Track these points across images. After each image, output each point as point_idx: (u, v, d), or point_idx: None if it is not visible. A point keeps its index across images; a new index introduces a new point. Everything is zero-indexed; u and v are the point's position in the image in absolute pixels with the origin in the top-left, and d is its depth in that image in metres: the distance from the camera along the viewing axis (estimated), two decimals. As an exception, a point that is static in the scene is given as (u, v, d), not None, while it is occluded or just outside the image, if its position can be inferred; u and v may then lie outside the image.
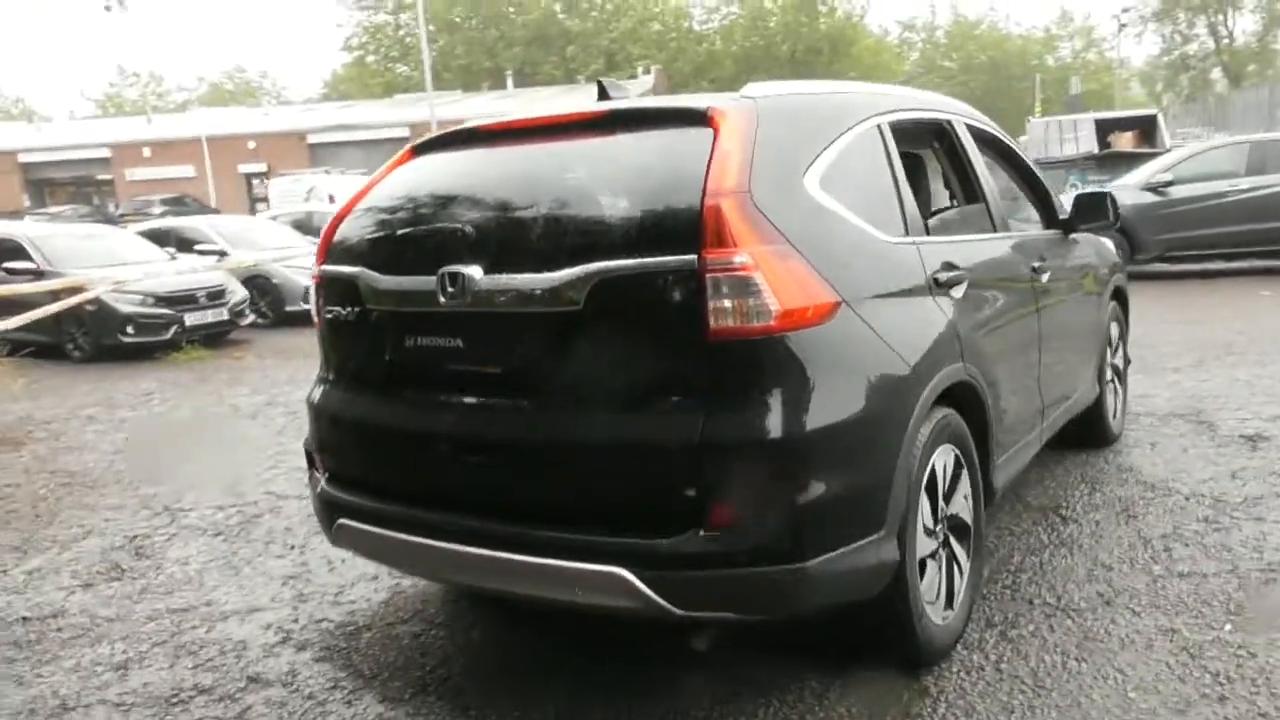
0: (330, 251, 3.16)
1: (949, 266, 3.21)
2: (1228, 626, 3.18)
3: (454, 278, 2.70)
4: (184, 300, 11.10)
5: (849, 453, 2.59)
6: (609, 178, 2.73)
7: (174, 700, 3.14)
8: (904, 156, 3.88)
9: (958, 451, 3.13)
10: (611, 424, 2.56)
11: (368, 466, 3.08)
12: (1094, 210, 4.58)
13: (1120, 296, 5.35)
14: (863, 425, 2.62)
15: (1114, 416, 5.26)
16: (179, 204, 34.72)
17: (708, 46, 67.05)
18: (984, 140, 4.34)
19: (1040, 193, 4.68)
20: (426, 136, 3.32)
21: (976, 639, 3.20)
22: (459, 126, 3.21)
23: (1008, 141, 4.53)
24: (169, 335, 10.90)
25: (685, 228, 2.48)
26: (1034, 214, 4.67)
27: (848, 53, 67.18)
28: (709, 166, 2.54)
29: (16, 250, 11.54)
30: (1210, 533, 3.95)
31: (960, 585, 3.17)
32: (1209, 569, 3.61)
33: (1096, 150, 16.26)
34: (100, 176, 47.50)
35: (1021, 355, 3.78)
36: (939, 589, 3.03)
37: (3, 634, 3.71)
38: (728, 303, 2.44)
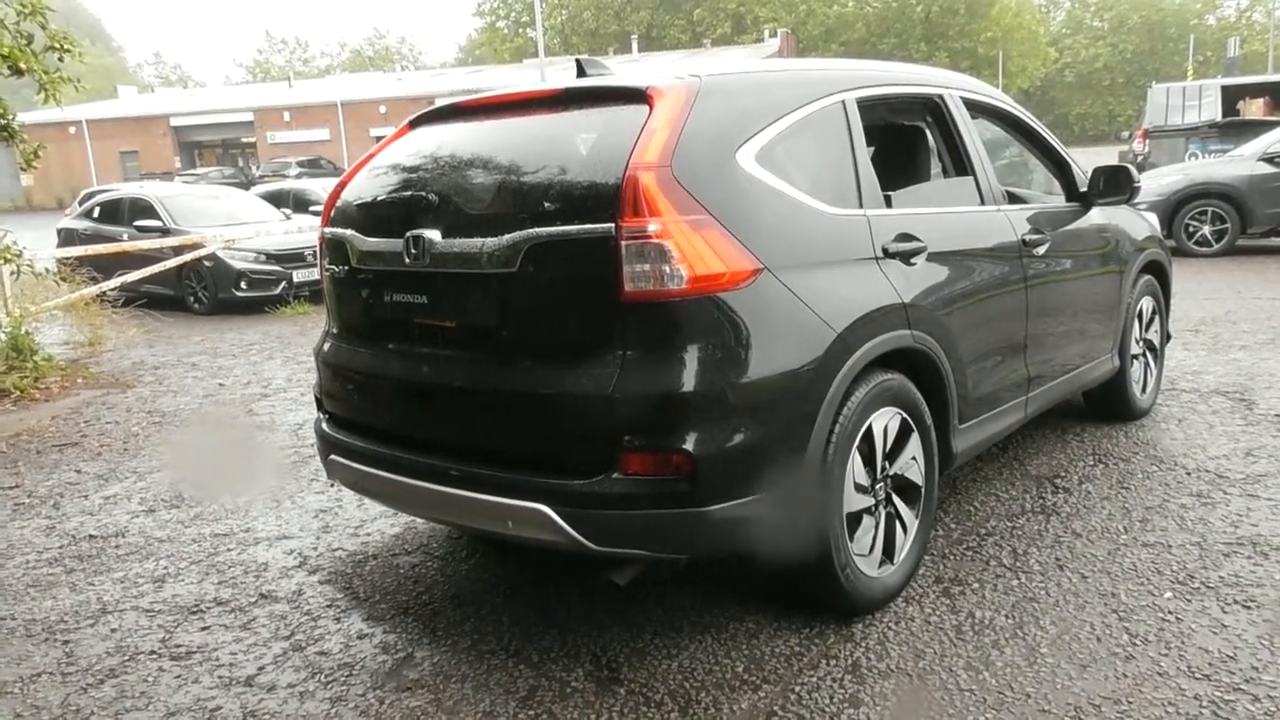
0: (332, 215, 3.51)
1: (906, 238, 3.34)
2: (1168, 594, 3.25)
3: (417, 240, 3.01)
4: (292, 258, 11.81)
5: (758, 409, 2.78)
6: (555, 151, 2.98)
7: (194, 610, 3.58)
8: (891, 131, 4.00)
9: (905, 415, 3.27)
10: (540, 375, 2.82)
11: (354, 409, 3.44)
12: (1112, 184, 4.57)
13: (1156, 271, 5.28)
14: (775, 384, 2.81)
15: (1141, 391, 5.23)
16: (314, 166, 36.42)
17: (839, 9, 65.74)
18: (992, 114, 4.39)
19: (1060, 165, 4.68)
20: (424, 110, 3.63)
21: (919, 592, 3.36)
22: (448, 102, 3.50)
23: (1022, 115, 4.55)
24: (278, 290, 11.64)
25: (608, 198, 2.71)
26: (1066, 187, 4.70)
27: (986, 13, 64.86)
28: (636, 141, 2.76)
29: (147, 209, 12.53)
30: (1196, 507, 3.96)
31: (905, 541, 3.32)
32: (1176, 540, 3.66)
33: (1219, 118, 15.46)
34: (244, 139, 50.13)
35: (1001, 326, 3.86)
36: (873, 543, 3.19)
37: (70, 549, 4.25)
38: (641, 267, 2.66)
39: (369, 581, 3.74)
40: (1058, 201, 4.65)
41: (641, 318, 2.70)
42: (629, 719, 2.74)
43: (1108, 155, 22.35)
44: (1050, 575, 3.44)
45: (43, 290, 9.36)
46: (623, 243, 2.67)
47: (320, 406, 3.66)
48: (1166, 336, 5.59)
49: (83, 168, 47.28)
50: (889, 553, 3.28)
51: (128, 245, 11.30)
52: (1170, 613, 3.13)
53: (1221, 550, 3.55)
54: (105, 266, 11.10)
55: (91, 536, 4.40)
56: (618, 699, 2.83)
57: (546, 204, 2.82)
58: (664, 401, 2.69)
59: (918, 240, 3.38)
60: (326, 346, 3.60)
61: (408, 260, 3.03)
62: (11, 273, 8.26)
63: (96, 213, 13.42)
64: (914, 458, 3.35)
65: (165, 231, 11.85)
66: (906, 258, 3.32)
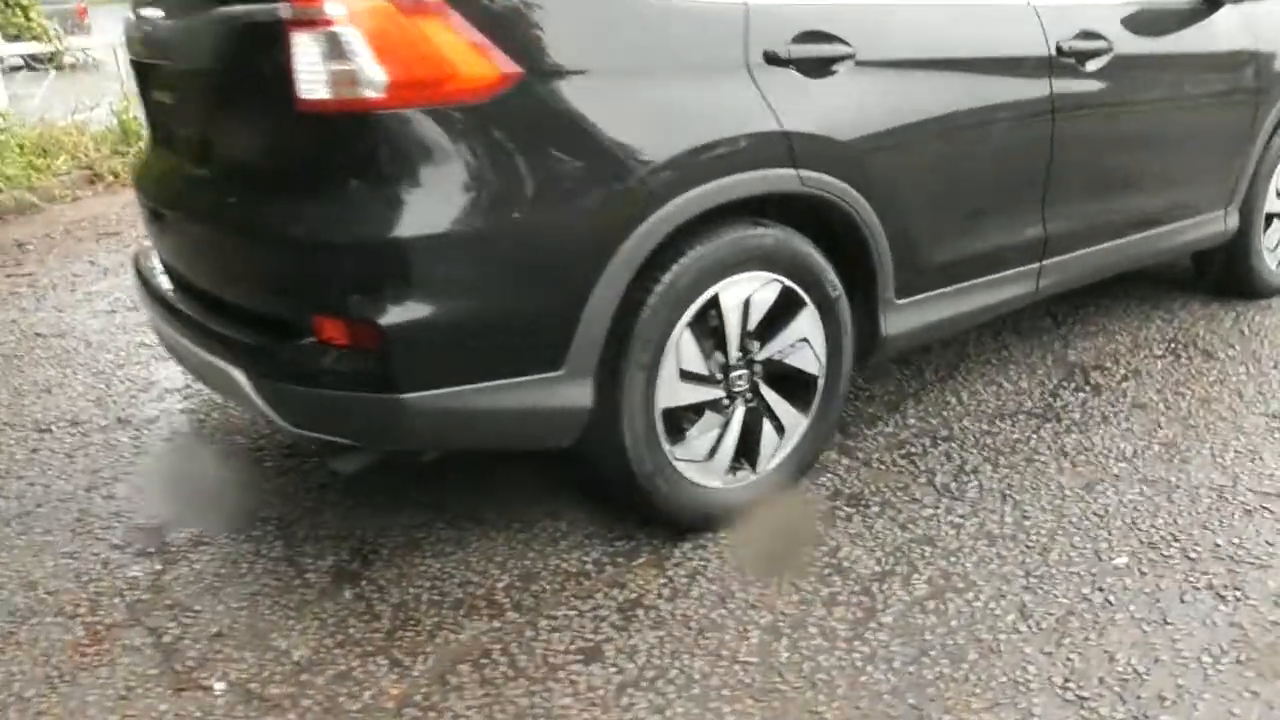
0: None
1: (816, 37, 2.41)
2: (1123, 560, 2.35)
3: (141, 20, 2.41)
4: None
5: (489, 274, 2.07)
6: None
7: (45, 427, 3.36)
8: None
9: (788, 283, 2.45)
10: (231, 206, 2.23)
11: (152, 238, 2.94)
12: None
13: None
14: (517, 240, 2.08)
15: (1275, 264, 3.96)
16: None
17: None
18: None
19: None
20: None
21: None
22: None
23: None
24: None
25: None
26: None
27: None
28: None
29: None
30: (1255, 436, 2.91)
31: (780, 446, 2.57)
32: (1194, 479, 2.68)
33: None
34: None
35: (998, 168, 2.85)
36: (716, 447, 2.46)
37: (7, 346, 4.15)
38: (320, 66, 1.95)
39: (231, 424, 3.37)
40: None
41: (323, 135, 2.03)
42: (328, 628, 2.24)
43: None
44: (980, 513, 2.59)
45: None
46: (293, 31, 1.96)
47: None
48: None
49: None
50: (749, 459, 2.54)
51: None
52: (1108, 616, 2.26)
53: (1244, 504, 2.56)
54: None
55: (39, 334, 4.28)
56: (339, 603, 2.34)
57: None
58: (347, 251, 2.04)
59: (839, 42, 2.44)
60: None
61: (142, 48, 2.46)
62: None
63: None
64: (804, 340, 2.53)
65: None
66: (812, 67, 2.41)
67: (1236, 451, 2.83)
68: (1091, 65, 2.96)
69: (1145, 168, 3.30)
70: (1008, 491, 2.67)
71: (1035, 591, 2.26)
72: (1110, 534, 2.46)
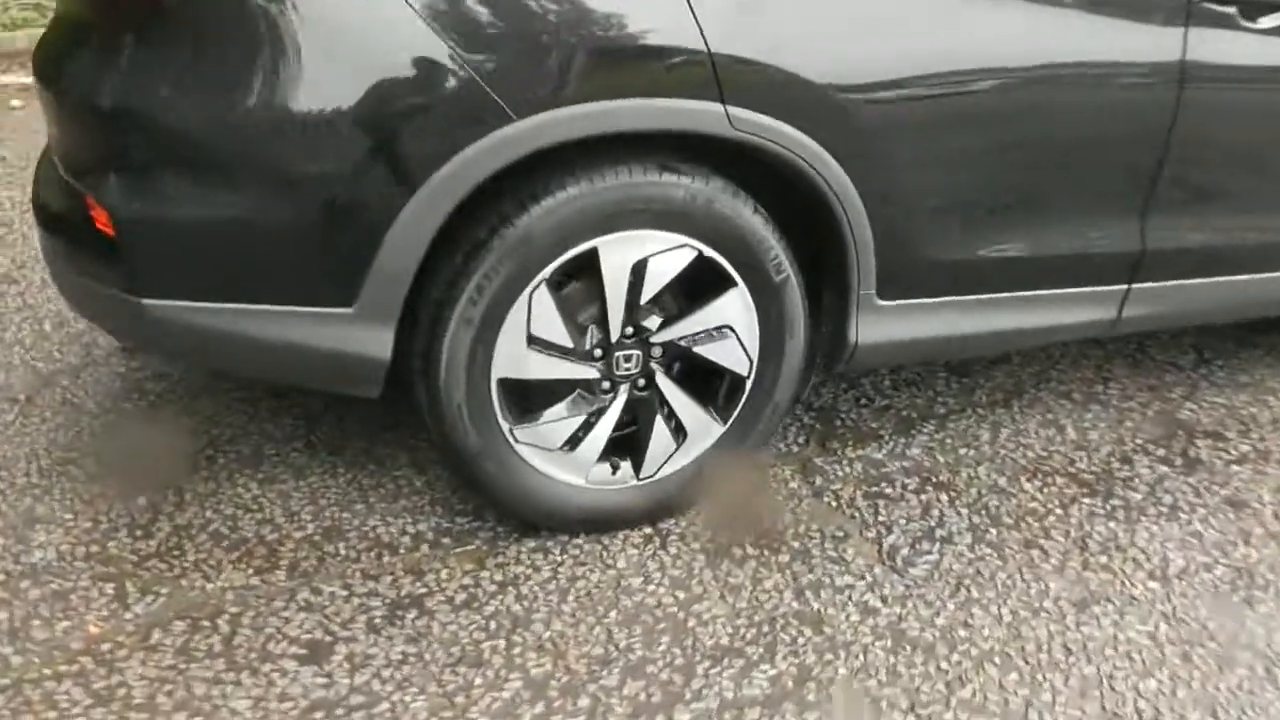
0: None
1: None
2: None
3: None
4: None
5: (257, 170, 1.65)
6: None
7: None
8: None
9: (710, 252, 1.88)
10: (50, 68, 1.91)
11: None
12: None
13: None
14: (295, 136, 1.63)
15: None
16: None
17: None
18: None
19: None
20: None
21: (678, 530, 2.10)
22: None
23: None
24: None
25: None
26: None
27: None
28: None
29: None
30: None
31: (669, 453, 2.04)
32: (1243, 637, 1.91)
33: None
34: None
35: (1069, 142, 2.05)
36: (579, 437, 1.97)
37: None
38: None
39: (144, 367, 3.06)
40: None
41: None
42: (94, 533, 1.99)
43: None
44: (909, 601, 1.96)
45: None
46: None
47: None
48: None
49: None
50: (635, 462, 2.03)
51: None
52: None
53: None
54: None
55: None
56: (128, 507, 2.08)
57: None
58: (90, 114, 1.68)
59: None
60: None
61: None
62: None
63: None
64: (727, 328, 1.96)
65: None
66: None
67: None
68: (1267, 21, 2.07)
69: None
70: (967, 581, 2.01)
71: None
72: (1064, 688, 1.78)
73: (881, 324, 2.06)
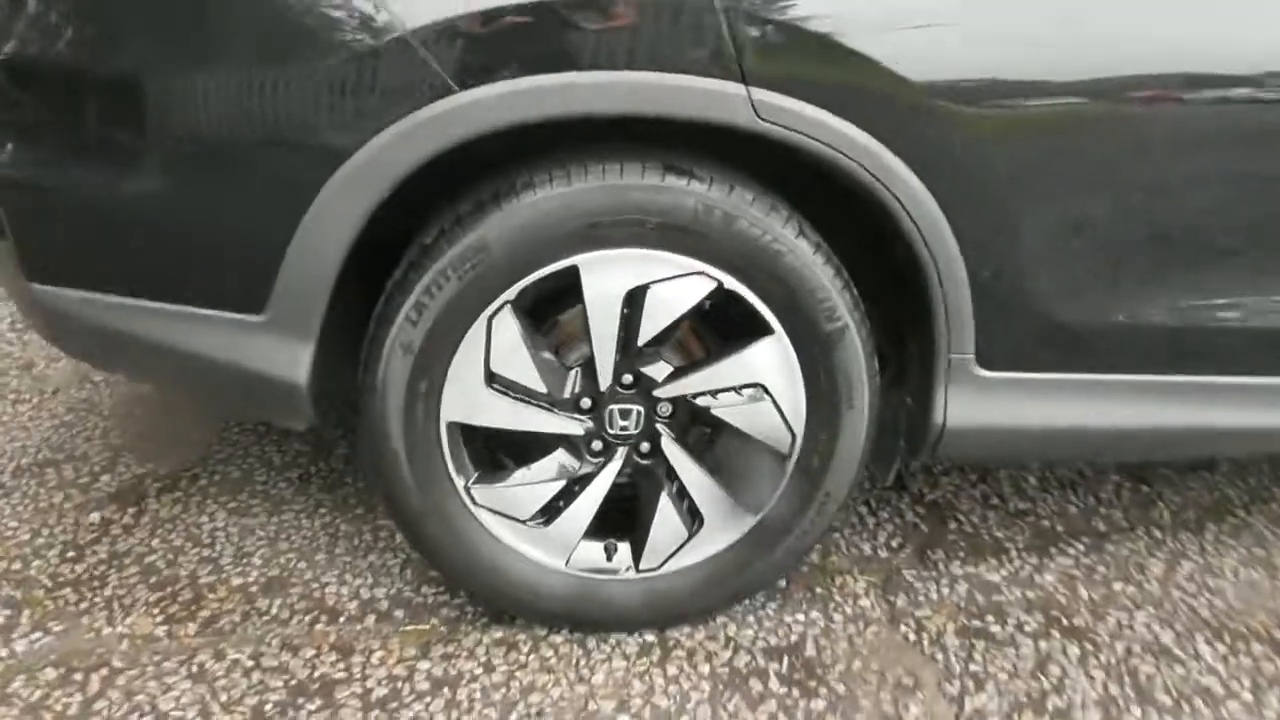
0: None
1: None
2: None
3: None
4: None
5: (138, 139, 1.34)
6: None
7: None
8: None
9: (736, 285, 1.40)
10: None
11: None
12: None
13: None
14: (179, 103, 1.31)
15: None
16: None
17: None
18: None
19: None
20: None
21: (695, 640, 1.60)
22: None
23: None
24: None
25: None
26: None
27: None
28: None
29: None
30: None
31: (680, 541, 1.55)
32: None
33: None
34: None
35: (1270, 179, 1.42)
36: (550, 504, 1.53)
37: None
38: None
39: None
40: None
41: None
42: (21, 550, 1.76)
43: None
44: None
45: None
46: None
47: None
48: None
49: None
50: (635, 548, 1.57)
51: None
52: None
53: None
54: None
55: None
56: (82, 525, 1.84)
57: None
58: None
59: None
60: None
61: None
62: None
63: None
64: (758, 387, 1.46)
65: None
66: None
67: None
68: None
69: None
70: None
71: None
72: None
73: (982, 402, 1.48)
